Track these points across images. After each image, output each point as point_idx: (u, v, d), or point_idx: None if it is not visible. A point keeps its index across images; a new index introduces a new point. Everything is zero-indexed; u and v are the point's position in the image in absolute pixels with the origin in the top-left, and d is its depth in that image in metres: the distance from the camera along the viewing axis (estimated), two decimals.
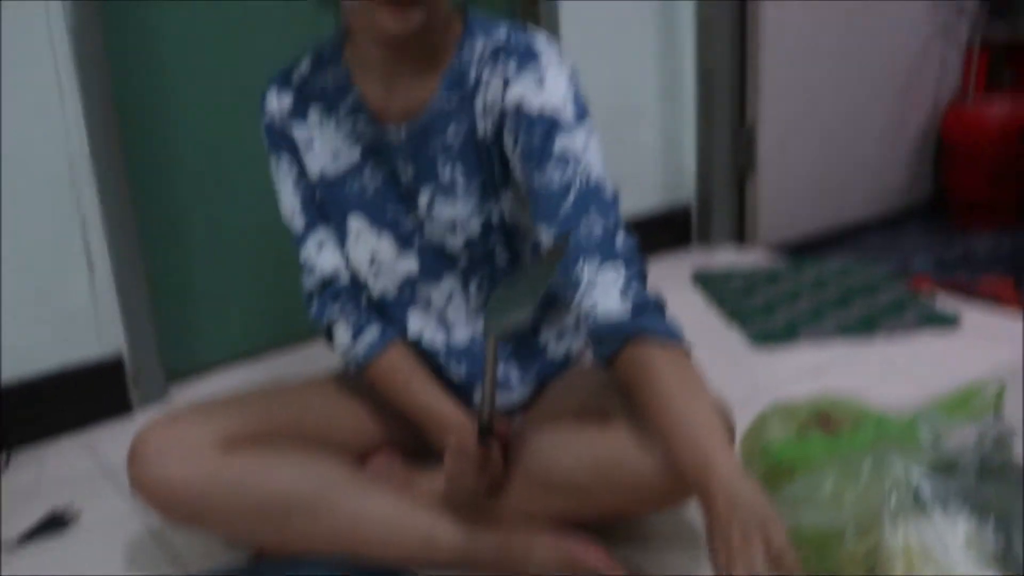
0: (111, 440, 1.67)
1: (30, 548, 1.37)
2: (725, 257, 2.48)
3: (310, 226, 1.30)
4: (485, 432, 1.11)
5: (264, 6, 1.84)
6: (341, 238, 1.29)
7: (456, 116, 1.19)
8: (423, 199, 1.23)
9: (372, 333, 1.28)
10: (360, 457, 1.34)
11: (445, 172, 1.21)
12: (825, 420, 1.29)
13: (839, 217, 2.79)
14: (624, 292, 1.08)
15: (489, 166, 1.20)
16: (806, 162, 2.66)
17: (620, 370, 1.09)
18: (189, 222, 1.87)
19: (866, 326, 1.97)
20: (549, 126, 1.13)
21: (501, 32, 1.19)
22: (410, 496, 1.23)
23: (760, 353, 1.92)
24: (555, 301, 1.30)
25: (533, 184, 1.14)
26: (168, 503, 1.17)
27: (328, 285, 1.30)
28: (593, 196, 1.12)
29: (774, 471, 1.23)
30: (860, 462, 1.11)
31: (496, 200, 1.22)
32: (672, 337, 1.08)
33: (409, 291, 1.29)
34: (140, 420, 1.63)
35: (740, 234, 2.61)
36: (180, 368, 1.89)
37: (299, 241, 1.31)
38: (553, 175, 1.12)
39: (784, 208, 2.63)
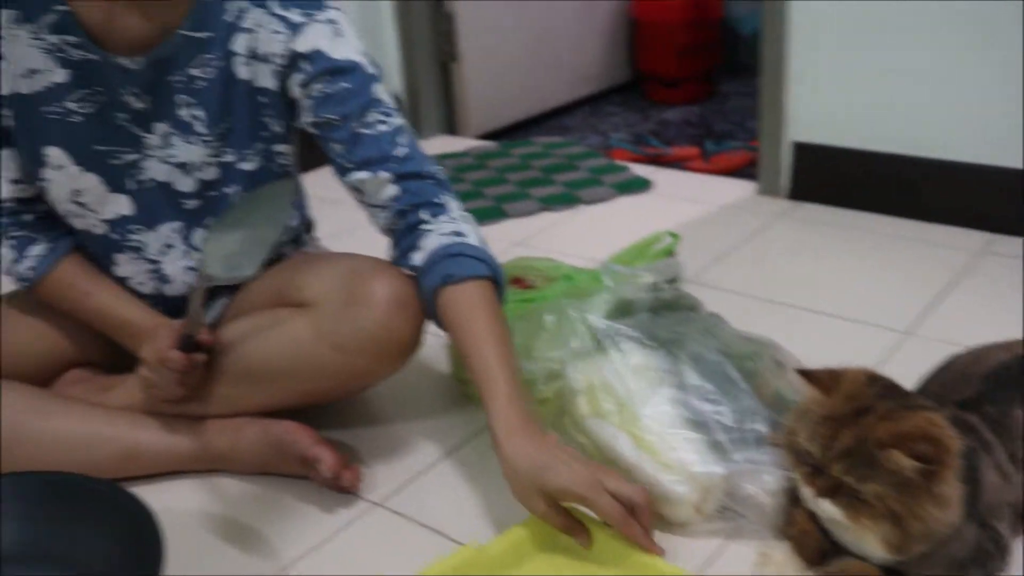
0: None
1: None
2: (436, 146, 2.51)
3: None
4: (189, 344, 1.09)
5: None
6: (30, 161, 1.14)
7: (203, 55, 1.09)
8: (156, 136, 1.13)
9: (40, 247, 1.19)
10: (53, 378, 1.26)
11: (183, 111, 1.12)
12: (519, 281, 1.36)
13: (544, 102, 2.88)
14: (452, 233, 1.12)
15: (246, 114, 1.13)
16: (508, 50, 2.71)
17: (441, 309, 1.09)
18: None
19: (567, 198, 2.07)
20: (357, 76, 1.11)
21: None
22: (105, 409, 1.18)
23: None
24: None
25: (347, 130, 1.10)
26: None
27: None
28: (408, 135, 1.15)
29: None
30: (544, 315, 1.18)
31: (245, 149, 1.14)
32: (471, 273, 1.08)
33: (120, 233, 1.19)
34: None
35: (451, 124, 2.65)
36: None
37: None
38: (375, 123, 1.11)
39: (491, 97, 2.68)
